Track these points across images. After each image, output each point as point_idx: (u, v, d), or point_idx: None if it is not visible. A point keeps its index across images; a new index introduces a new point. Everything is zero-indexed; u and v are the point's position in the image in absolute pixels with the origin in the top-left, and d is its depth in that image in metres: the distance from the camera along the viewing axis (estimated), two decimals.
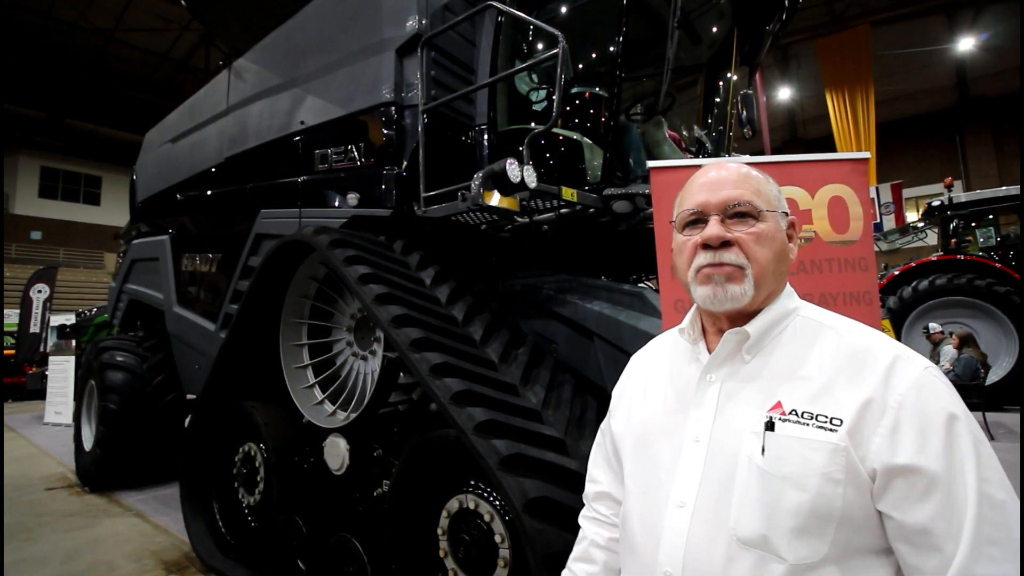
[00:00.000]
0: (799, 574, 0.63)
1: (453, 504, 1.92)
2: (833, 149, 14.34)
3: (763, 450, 0.68)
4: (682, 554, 0.71)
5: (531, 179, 2.00)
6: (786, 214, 0.79)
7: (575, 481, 1.65)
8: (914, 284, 7.63)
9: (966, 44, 14.31)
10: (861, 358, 0.68)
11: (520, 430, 1.71)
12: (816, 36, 14.13)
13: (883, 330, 1.82)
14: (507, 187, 1.99)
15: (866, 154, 1.79)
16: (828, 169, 1.74)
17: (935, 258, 7.82)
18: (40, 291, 11.59)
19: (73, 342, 9.11)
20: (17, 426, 8.21)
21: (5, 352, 11.86)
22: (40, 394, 9.08)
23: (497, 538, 1.77)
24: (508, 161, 1.93)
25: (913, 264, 7.90)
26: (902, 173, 15.66)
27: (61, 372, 8.24)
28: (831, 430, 0.65)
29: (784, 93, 17.25)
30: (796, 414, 0.68)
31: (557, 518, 1.53)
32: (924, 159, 17.33)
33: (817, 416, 0.67)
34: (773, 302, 0.78)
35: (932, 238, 9.42)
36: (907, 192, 15.76)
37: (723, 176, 0.79)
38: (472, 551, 1.83)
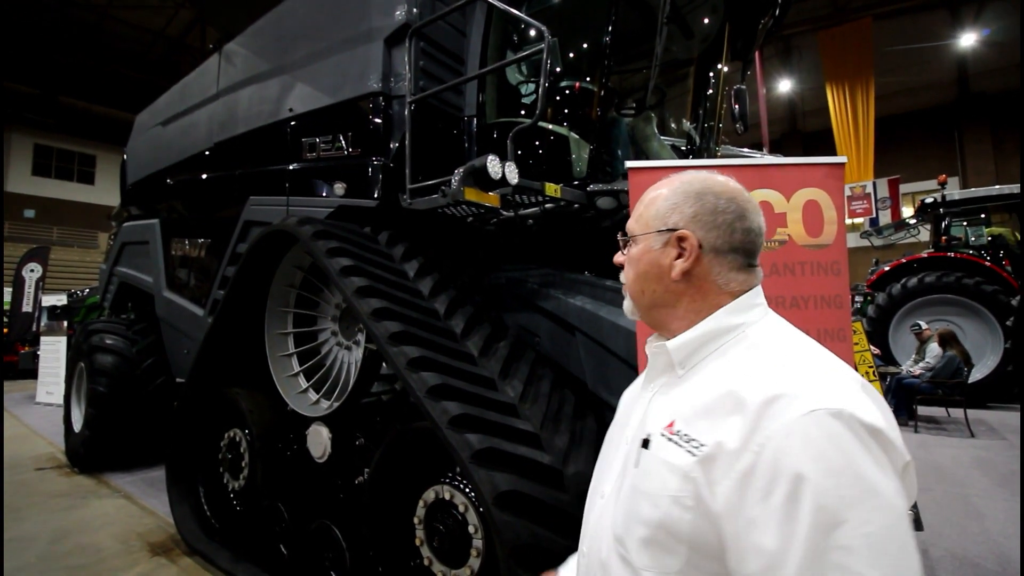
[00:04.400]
0: None
1: (430, 494, 1.95)
2: (832, 142, 14.30)
3: (636, 463, 0.71)
4: (590, 539, 0.78)
5: (512, 176, 2.01)
6: (669, 230, 0.74)
7: (547, 475, 1.69)
8: (903, 281, 7.69)
9: (968, 39, 14.22)
10: (747, 388, 0.62)
11: (494, 424, 1.74)
12: (818, 28, 14.02)
13: (854, 332, 1.86)
14: (488, 183, 2.00)
15: (843, 158, 1.80)
16: (804, 173, 1.76)
17: (925, 255, 7.87)
18: (33, 270, 11.54)
19: (65, 323, 9.10)
20: (9, 405, 8.24)
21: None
22: (32, 373, 9.10)
23: (471, 528, 1.81)
24: (489, 157, 1.93)
25: (903, 261, 7.95)
26: (900, 168, 15.64)
27: (53, 352, 8.26)
28: (691, 454, 0.63)
29: (784, 85, 17.15)
30: (677, 434, 0.67)
31: (527, 511, 1.57)
32: (923, 155, 17.30)
33: (690, 439, 0.65)
34: (704, 319, 0.73)
35: (926, 235, 9.46)
36: (904, 187, 15.76)
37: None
38: (447, 541, 1.88)
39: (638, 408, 0.80)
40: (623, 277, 0.81)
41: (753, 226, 0.74)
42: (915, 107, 17.28)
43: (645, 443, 0.71)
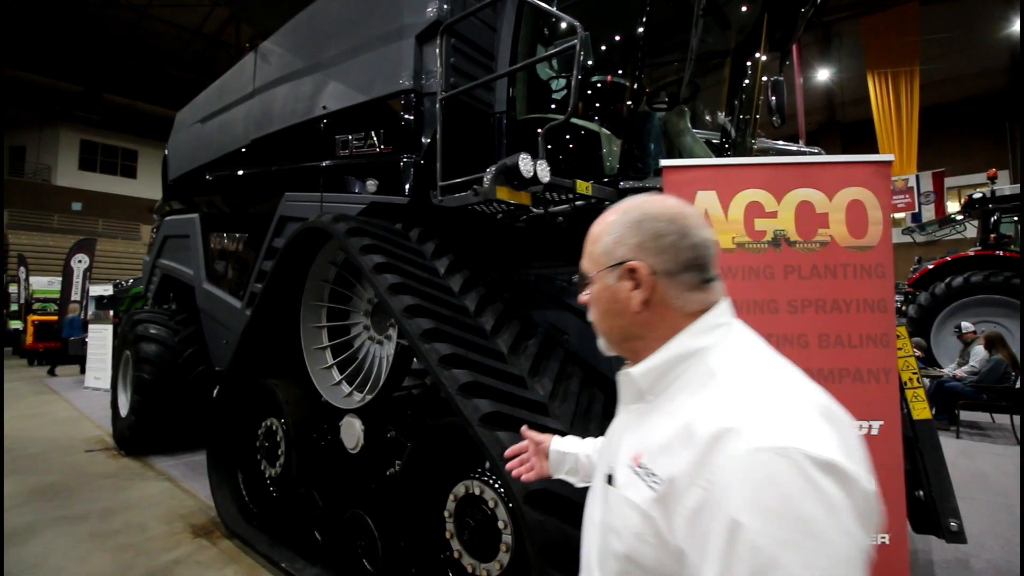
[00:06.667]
0: None
1: (460, 489, 1.99)
2: (873, 134, 13.76)
3: (605, 498, 0.74)
4: (585, 565, 0.80)
5: (544, 174, 2.01)
6: (618, 264, 0.74)
7: None
8: (948, 280, 7.37)
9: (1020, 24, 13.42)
10: (699, 421, 0.61)
11: (525, 422, 1.76)
12: (860, 14, 13.45)
13: (899, 337, 1.80)
14: (520, 181, 2.00)
15: (889, 156, 1.73)
16: (848, 171, 1.70)
17: (972, 253, 7.51)
18: (80, 261, 12.11)
19: (111, 311, 9.55)
20: (59, 389, 8.70)
21: (48, 318, 12.51)
22: (79, 359, 9.59)
23: (500, 524, 1.84)
24: (520, 156, 1.93)
25: (948, 259, 7.61)
26: (945, 161, 14.96)
27: (100, 340, 8.66)
28: (651, 490, 0.64)
29: (822, 74, 16.54)
30: (643, 467, 0.67)
31: (557, 509, 1.58)
32: (970, 146, 16.49)
33: (651, 473, 0.65)
34: (666, 344, 0.72)
35: (972, 231, 9.03)
36: (950, 181, 15.07)
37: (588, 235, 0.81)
38: (476, 534, 1.91)
39: (616, 433, 0.81)
40: (590, 317, 0.80)
41: (698, 240, 0.72)
42: (963, 96, 16.45)
43: (609, 479, 0.74)
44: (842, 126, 18.60)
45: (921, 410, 1.78)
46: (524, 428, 1.17)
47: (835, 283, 1.66)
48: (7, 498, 3.71)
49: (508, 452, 1.12)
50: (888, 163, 1.72)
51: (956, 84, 15.98)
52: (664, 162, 1.84)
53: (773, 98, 3.49)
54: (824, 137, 18.01)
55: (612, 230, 0.76)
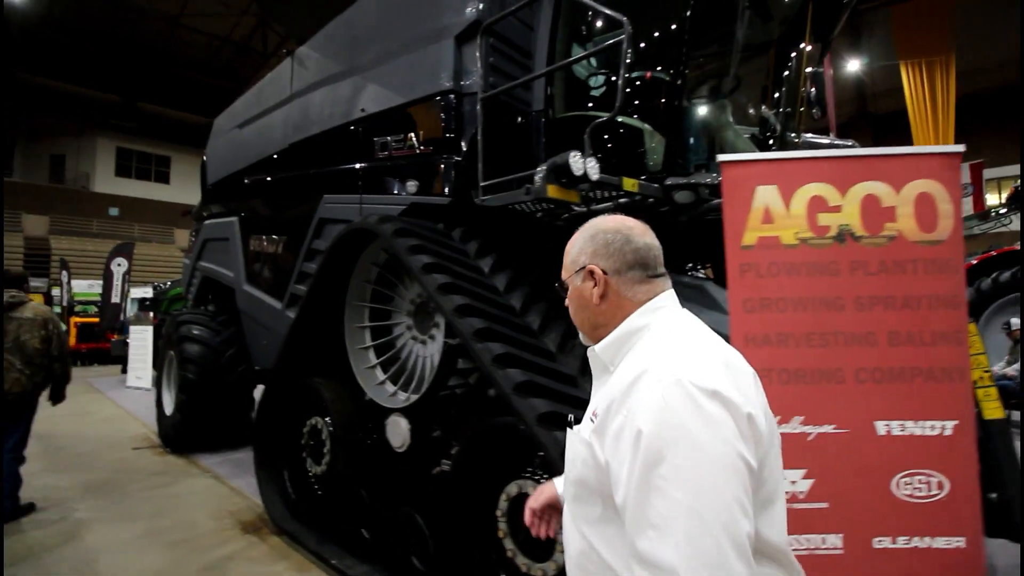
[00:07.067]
0: (589, 527, 0.84)
1: (512, 488, 1.99)
2: (906, 125, 13.31)
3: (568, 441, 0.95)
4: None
5: (594, 171, 1.99)
6: (581, 269, 0.92)
7: None
8: (994, 275, 7.07)
9: None
10: (631, 369, 0.81)
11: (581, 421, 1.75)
12: (892, 2, 13.01)
13: (969, 335, 1.73)
14: (570, 179, 1.99)
15: (960, 147, 1.67)
16: (916, 163, 1.63)
17: (1021, 247, 7.20)
18: (120, 264, 12.54)
19: (151, 313, 9.87)
20: (103, 388, 9.02)
21: (90, 319, 12.99)
22: (121, 359, 9.93)
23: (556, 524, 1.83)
24: (571, 154, 1.92)
25: (994, 253, 7.32)
26: (983, 152, 14.33)
27: (141, 340, 8.95)
28: (593, 423, 0.83)
29: (853, 65, 16.07)
30: (595, 415, 0.85)
31: None
32: (1010, 136, 15.79)
33: (597, 415, 0.83)
34: (618, 326, 0.90)
35: (1017, 223, 8.66)
36: (988, 173, 14.47)
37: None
38: (531, 535, 1.90)
39: (590, 399, 0.98)
40: (571, 316, 0.99)
41: (639, 244, 0.90)
42: (1002, 84, 15.75)
43: (570, 424, 0.94)
44: (874, 117, 18.02)
45: (993, 409, 1.71)
46: (527, 501, 1.20)
47: (904, 279, 1.60)
48: (63, 491, 3.86)
49: (527, 522, 1.18)
50: (958, 154, 1.65)
51: (994, 72, 15.33)
52: (722, 157, 1.80)
53: (813, 89, 3.42)
54: (855, 129, 17.48)
55: (577, 245, 0.96)
